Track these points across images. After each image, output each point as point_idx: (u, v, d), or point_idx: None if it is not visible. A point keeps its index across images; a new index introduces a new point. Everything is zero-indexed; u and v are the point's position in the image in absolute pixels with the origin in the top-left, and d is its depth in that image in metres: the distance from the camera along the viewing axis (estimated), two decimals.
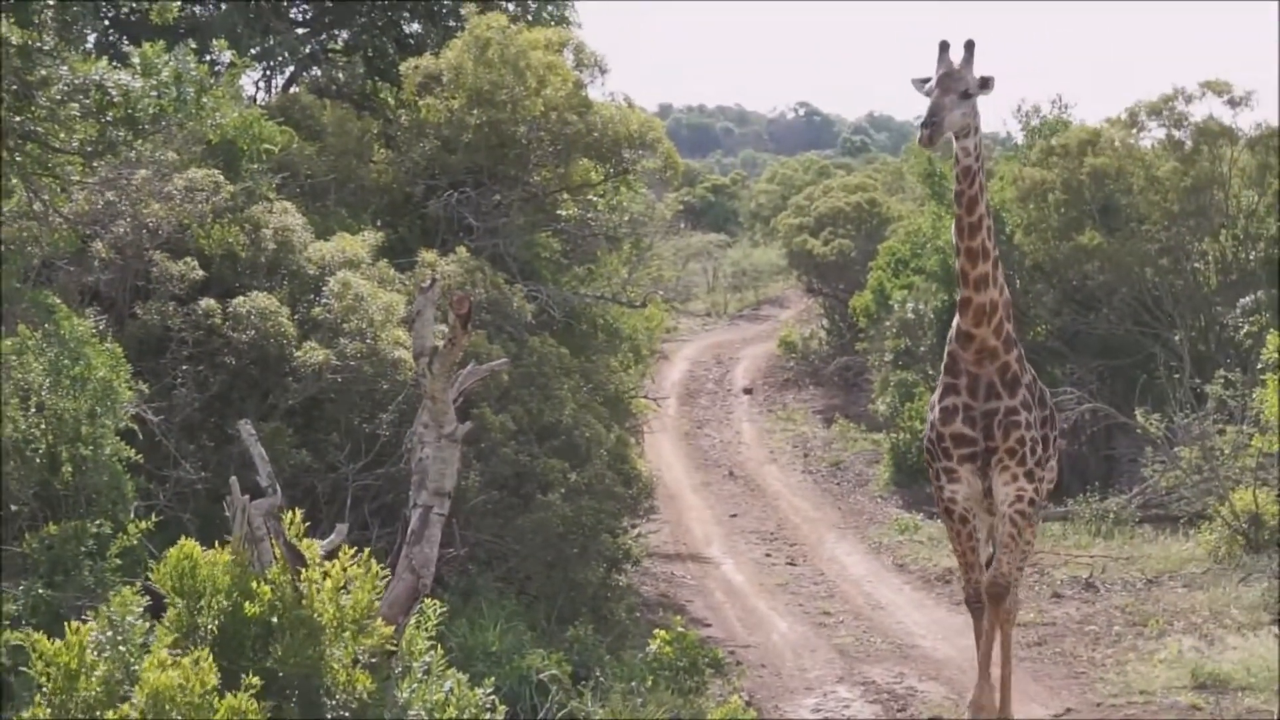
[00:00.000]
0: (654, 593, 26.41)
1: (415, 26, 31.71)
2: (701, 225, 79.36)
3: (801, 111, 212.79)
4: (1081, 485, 31.57)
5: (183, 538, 10.07)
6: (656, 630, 18.73)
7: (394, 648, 10.43)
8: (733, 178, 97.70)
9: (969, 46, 13.78)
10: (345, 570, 10.08)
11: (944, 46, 13.72)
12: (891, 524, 31.88)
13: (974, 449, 14.59)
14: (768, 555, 29.85)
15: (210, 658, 8.90)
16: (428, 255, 21.59)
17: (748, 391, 49.57)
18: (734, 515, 33.97)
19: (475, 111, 24.33)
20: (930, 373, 37.20)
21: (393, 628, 10.39)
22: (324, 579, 9.95)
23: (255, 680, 8.91)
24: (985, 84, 13.79)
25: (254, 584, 9.80)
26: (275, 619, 9.71)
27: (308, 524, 10.45)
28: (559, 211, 26.26)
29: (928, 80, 13.75)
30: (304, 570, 10.02)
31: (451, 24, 28.89)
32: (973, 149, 13.92)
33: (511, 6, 30.54)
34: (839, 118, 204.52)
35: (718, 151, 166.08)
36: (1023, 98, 54.74)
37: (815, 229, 53.32)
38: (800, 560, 29.24)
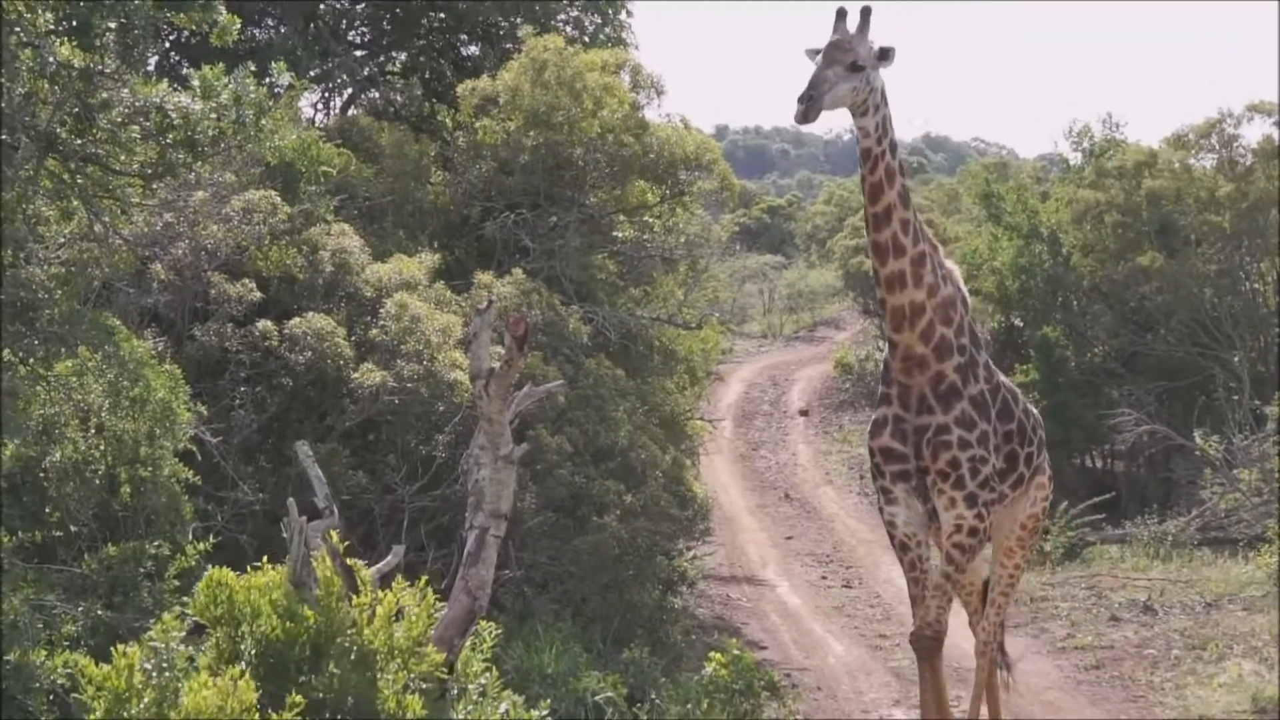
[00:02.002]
0: (709, 615, 26.35)
1: (473, 49, 31.84)
2: (757, 247, 79.37)
3: (858, 133, 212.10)
4: (1140, 507, 31.38)
5: (219, 566, 10.09)
6: (712, 653, 18.63)
7: (445, 674, 10.43)
8: (789, 199, 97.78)
9: (865, 13, 12.20)
10: (398, 599, 10.08)
11: (840, 14, 12.16)
12: None
13: (906, 466, 12.99)
14: (823, 578, 29.74)
15: (249, 678, 8.90)
16: (484, 277, 21.61)
17: (804, 413, 49.47)
18: (789, 537, 33.88)
19: (532, 133, 24.37)
20: None
21: (444, 655, 10.39)
22: (376, 606, 9.95)
23: (299, 699, 8.91)
24: (884, 55, 12.23)
25: (301, 607, 9.80)
26: (324, 643, 9.70)
27: (365, 545, 10.46)
28: (615, 233, 26.25)
29: (819, 51, 12.19)
30: (356, 596, 10.03)
31: (508, 46, 28.96)
32: (873, 129, 12.31)
33: (568, 28, 30.61)
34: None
35: (774, 173, 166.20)
36: (1074, 118, 54.47)
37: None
38: (856, 583, 29.11)
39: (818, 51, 12.10)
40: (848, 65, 11.94)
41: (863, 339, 59.65)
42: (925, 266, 12.62)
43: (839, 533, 34.25)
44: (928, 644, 13.33)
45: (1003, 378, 13.63)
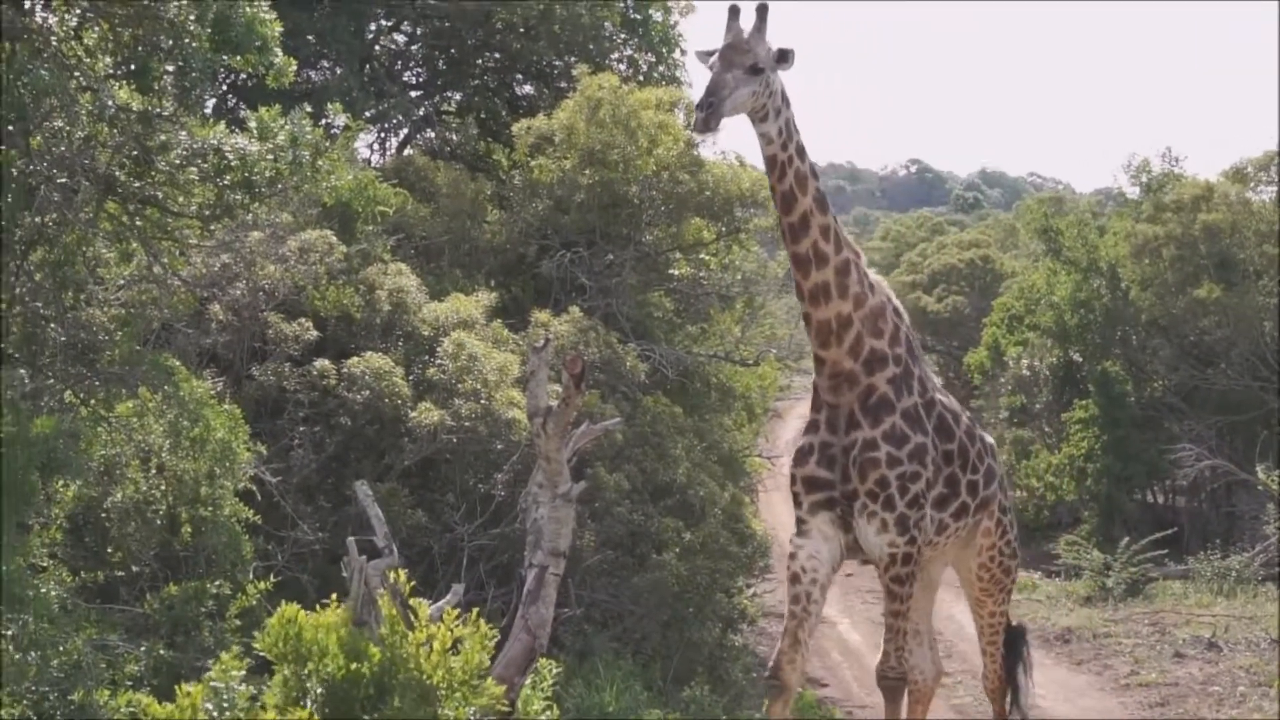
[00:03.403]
0: (770, 652, 26.23)
1: (527, 88, 31.98)
2: None
3: (913, 168, 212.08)
4: (1202, 543, 31.13)
5: (284, 602, 10.10)
6: None
7: (507, 708, 10.41)
8: None
9: (760, 12, 11.21)
10: (452, 631, 10.07)
11: (733, 12, 11.16)
12: None
13: (830, 493, 11.92)
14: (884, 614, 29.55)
15: (315, 716, 8.91)
16: (541, 315, 21.63)
17: None
18: (849, 574, 33.69)
19: (587, 171, 24.40)
20: (1046, 430, 36.89)
21: (504, 687, 10.37)
22: (431, 640, 9.95)
23: None
24: (783, 57, 11.23)
25: (365, 645, 9.81)
26: (387, 679, 9.71)
27: (424, 584, 10.47)
28: (671, 270, 26.25)
29: (713, 53, 11.20)
30: (412, 632, 10.03)
31: (563, 85, 29.07)
32: (776, 134, 11.33)
33: (623, 67, 30.69)
34: (951, 174, 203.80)
35: None
36: (1132, 153, 54.21)
37: (928, 285, 53.14)
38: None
39: (711, 54, 11.19)
40: (747, 68, 11.01)
41: None
42: (850, 276, 11.72)
43: None
44: (890, 685, 12.71)
45: (944, 396, 12.67)
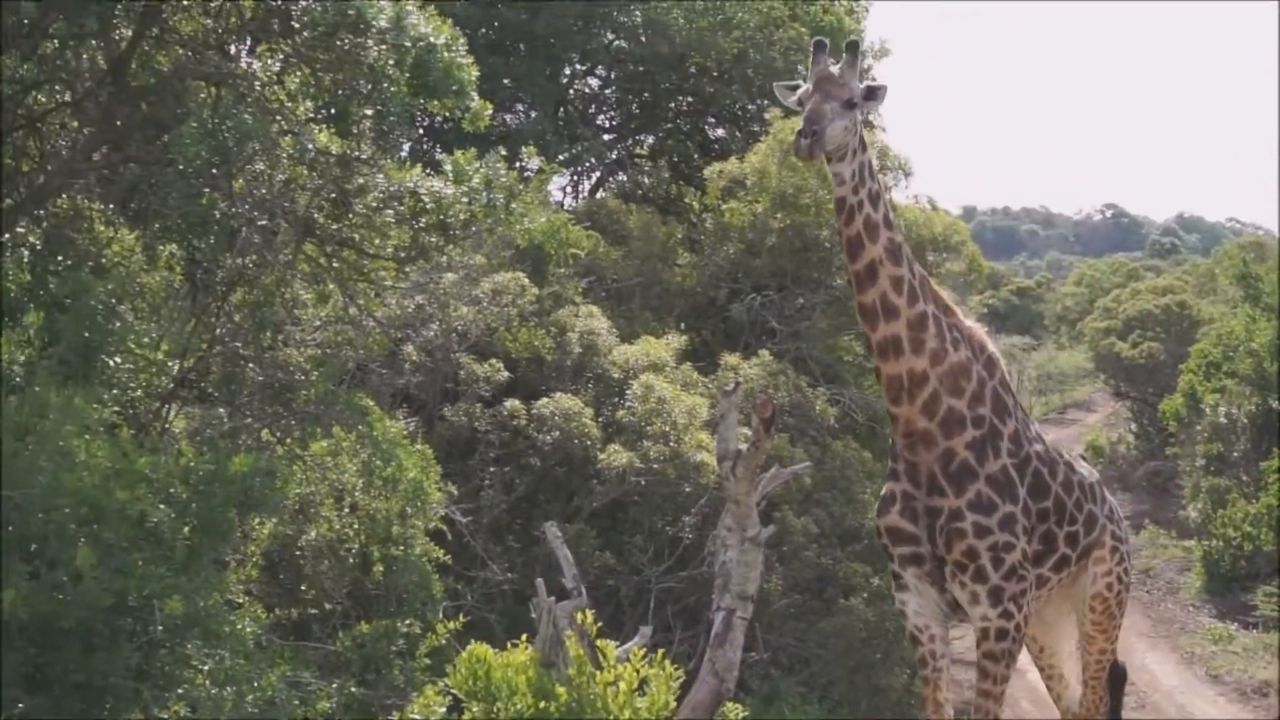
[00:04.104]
0: (958, 700, 25.91)
1: (719, 131, 32.04)
2: (1006, 328, 78.44)
3: (1108, 213, 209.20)
4: None
5: (474, 641, 10.17)
6: None
7: None
8: (1038, 280, 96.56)
9: (851, 49, 10.87)
10: (639, 671, 10.08)
11: (819, 46, 10.77)
12: (1204, 633, 30.85)
13: (918, 549, 11.18)
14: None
15: None
16: (730, 358, 21.63)
17: None
18: None
19: (779, 215, 24.37)
20: (1244, 478, 36.12)
21: None
22: (618, 681, 9.96)
23: None
24: (872, 95, 10.83)
25: (553, 685, 9.86)
26: (574, 719, 9.74)
27: (611, 626, 10.49)
28: None
29: (798, 85, 10.77)
30: (600, 672, 10.05)
31: (756, 128, 29.06)
32: (849, 176, 10.72)
33: None
34: (1147, 219, 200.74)
35: (1022, 254, 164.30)
36: None
37: (1123, 332, 52.30)
38: None
39: (794, 88, 10.78)
40: (844, 101, 10.56)
41: (1114, 421, 58.53)
42: (927, 330, 10.95)
43: None
44: None
45: (1041, 446, 11.78)
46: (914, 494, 11.07)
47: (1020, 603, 11.17)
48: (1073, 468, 12.08)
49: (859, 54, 10.83)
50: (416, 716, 9.36)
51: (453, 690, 10.12)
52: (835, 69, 10.57)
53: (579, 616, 10.62)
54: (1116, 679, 14.00)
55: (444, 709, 9.54)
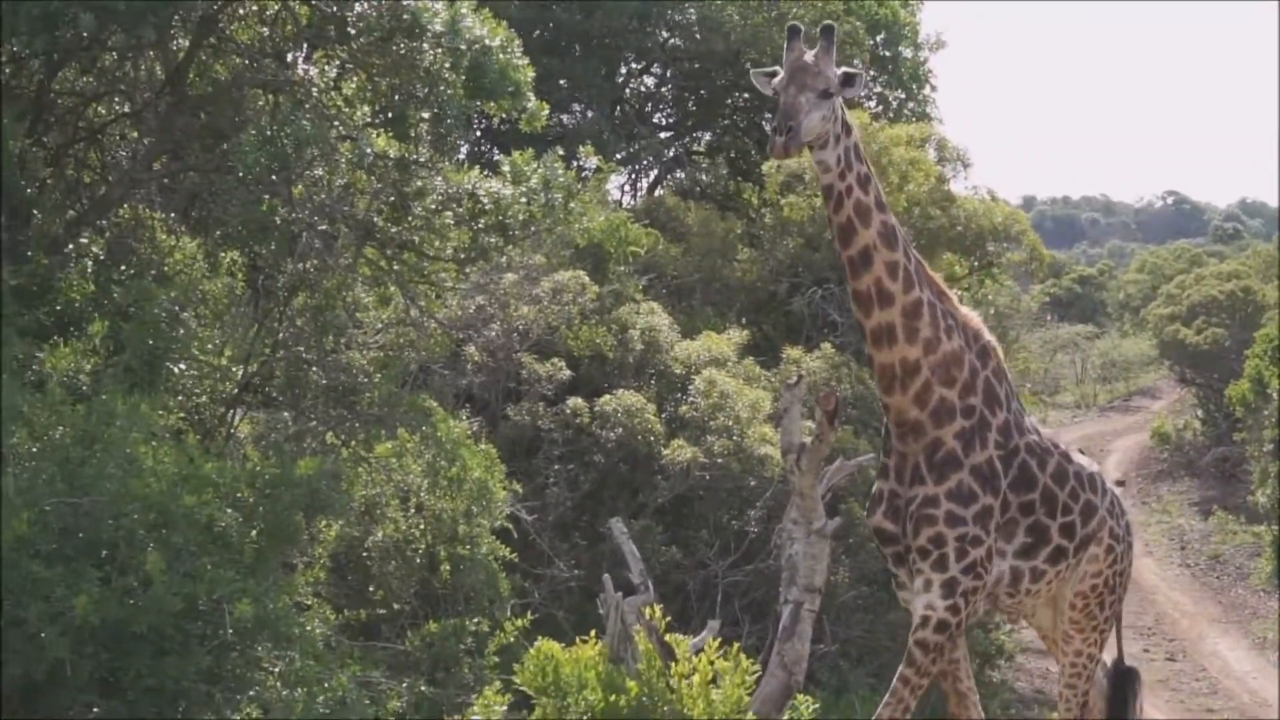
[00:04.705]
0: (1028, 689, 25.87)
1: None
2: (1068, 316, 78.04)
3: (1169, 200, 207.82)
4: None
5: (542, 638, 10.23)
6: None
7: None
8: (1100, 268, 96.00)
9: (827, 33, 10.41)
10: (713, 664, 10.10)
11: (794, 32, 10.36)
12: (1276, 619, 30.66)
13: (898, 549, 10.93)
14: (1145, 650, 28.95)
15: None
16: (793, 352, 21.63)
17: (1120, 484, 48.16)
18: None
19: None
20: None
21: None
22: (693, 674, 9.99)
23: None
24: (849, 81, 10.41)
25: (623, 679, 9.90)
26: (646, 713, 9.78)
27: (679, 620, 10.52)
28: None
29: (774, 73, 10.43)
30: (673, 665, 10.08)
31: None
32: (835, 163, 10.45)
33: (873, 104, 30.63)
34: (1209, 205, 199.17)
35: (1083, 242, 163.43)
36: None
37: (1187, 318, 51.96)
38: (1180, 656, 28.28)
39: (771, 74, 10.44)
40: (819, 91, 10.22)
41: (1180, 408, 58.17)
42: (921, 318, 10.66)
43: (1160, 605, 33.36)
44: None
45: (1034, 437, 11.42)
46: (898, 491, 10.84)
47: (969, 599, 10.81)
48: (1068, 458, 11.68)
49: (834, 39, 10.43)
50: (478, 717, 9.40)
51: (521, 687, 10.17)
52: (810, 57, 10.26)
53: (647, 611, 10.66)
54: (1127, 681, 13.55)
55: (504, 708, 9.58)
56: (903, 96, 32.25)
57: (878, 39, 31.87)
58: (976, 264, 25.79)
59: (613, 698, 9.79)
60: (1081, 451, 12.45)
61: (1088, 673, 12.67)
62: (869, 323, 10.54)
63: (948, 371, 10.73)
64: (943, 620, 10.66)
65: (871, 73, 31.81)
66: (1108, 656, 13.49)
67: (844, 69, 10.38)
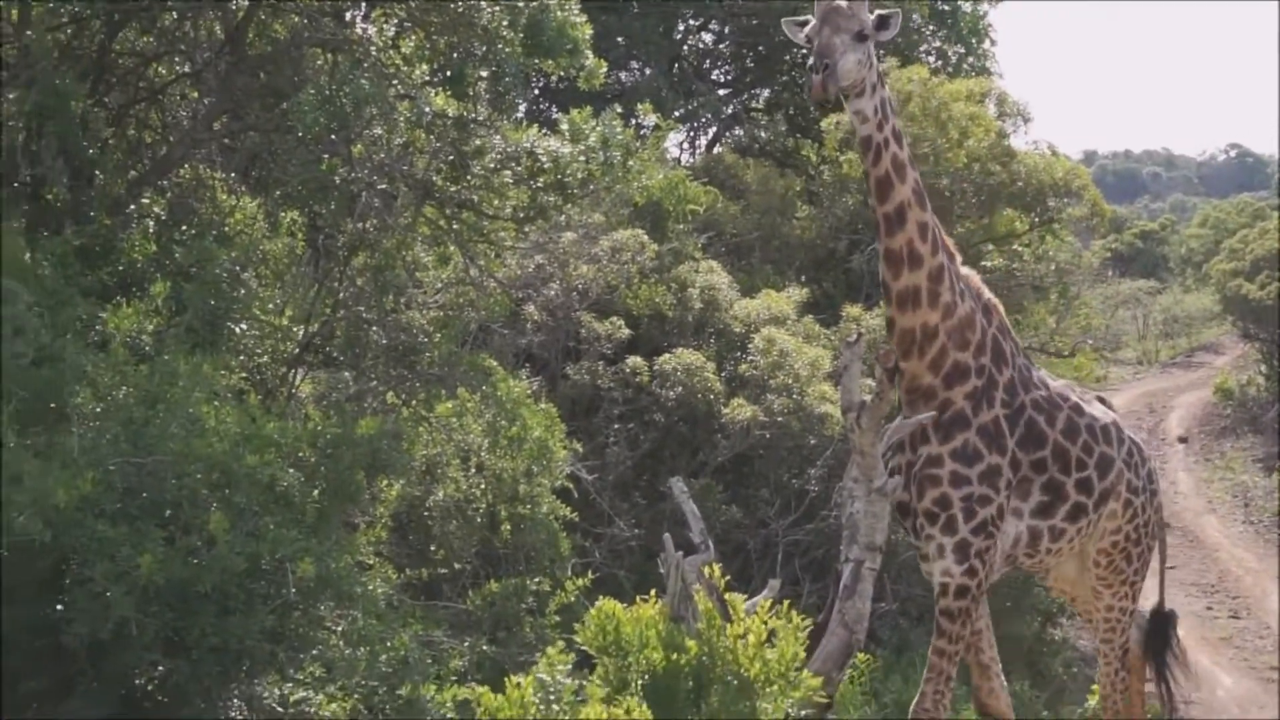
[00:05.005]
0: (1090, 646, 25.74)
1: None
2: (1130, 272, 77.53)
3: (1233, 153, 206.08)
4: None
5: (603, 597, 10.23)
6: (1094, 685, 18.25)
7: (825, 700, 10.39)
8: (1161, 223, 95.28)
9: None
10: (766, 624, 10.09)
11: None
12: None
13: (914, 521, 10.95)
14: (1209, 609, 28.79)
15: (642, 705, 9.02)
16: (852, 310, 21.55)
17: (1183, 440, 48.02)
18: (1172, 567, 32.90)
19: None
20: None
21: (821, 679, 10.35)
22: (747, 633, 9.99)
23: None
24: (884, 24, 10.19)
25: (683, 639, 9.91)
26: (705, 673, 9.79)
27: (739, 579, 10.51)
28: (984, 262, 25.93)
29: (806, 22, 10.20)
30: (729, 625, 10.08)
31: None
32: (872, 113, 10.24)
33: (932, 59, 30.45)
34: (1272, 158, 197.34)
35: (1145, 197, 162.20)
36: None
37: (1250, 272, 51.53)
38: (1244, 613, 28.09)
39: (803, 23, 10.24)
40: (854, 34, 9.98)
41: (1243, 364, 57.76)
42: (943, 282, 10.62)
43: (1224, 562, 33.14)
44: None
45: (1042, 392, 11.33)
46: (912, 459, 10.85)
47: (985, 559, 10.73)
48: (1080, 410, 11.58)
49: None
50: (543, 675, 9.42)
51: (582, 647, 10.18)
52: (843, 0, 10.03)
53: (707, 570, 10.65)
54: (1165, 623, 13.60)
55: (568, 667, 9.59)
56: (962, 51, 32.06)
57: None
58: (1037, 220, 25.65)
59: (674, 657, 9.80)
60: (1101, 400, 12.31)
61: (1123, 625, 12.65)
62: (896, 285, 10.50)
63: (962, 335, 10.71)
64: (961, 585, 10.65)
65: (930, 27, 31.64)
66: (1148, 605, 13.42)
67: (878, 11, 10.23)
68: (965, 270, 11.08)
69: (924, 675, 10.91)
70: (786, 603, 10.44)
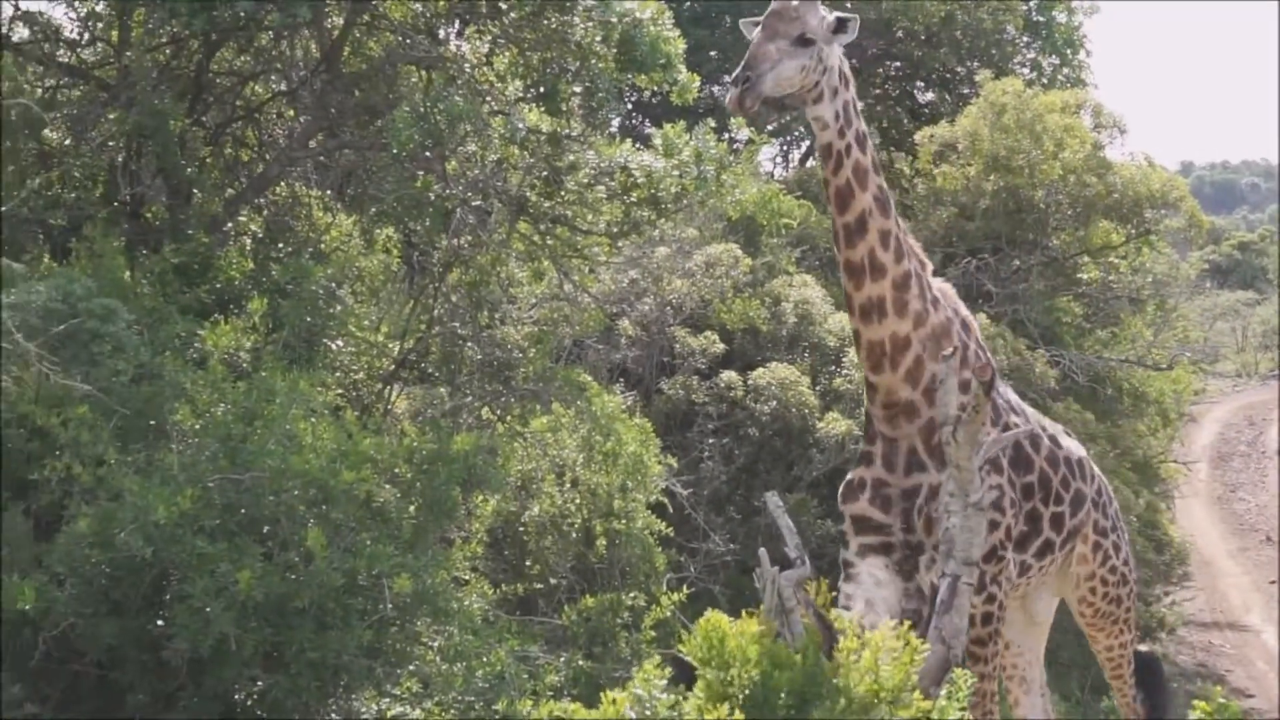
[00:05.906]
0: (1191, 662, 25.53)
1: (929, 95, 31.81)
2: (1229, 284, 76.82)
3: None
4: None
5: (708, 609, 10.21)
6: (1195, 701, 17.89)
7: (926, 717, 10.32)
8: (1260, 234, 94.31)
9: None
10: (882, 642, 10.03)
11: None
12: None
13: (887, 538, 10.19)
14: None
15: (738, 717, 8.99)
16: None
17: None
18: (1274, 581, 32.57)
19: (992, 177, 24.17)
20: None
21: (928, 700, 10.28)
22: (862, 649, 9.92)
23: None
24: (841, 26, 9.84)
25: (786, 654, 9.87)
26: (809, 689, 9.74)
27: (834, 594, 10.44)
28: (1079, 275, 25.78)
29: (759, 23, 9.63)
30: (840, 640, 10.02)
31: (965, 91, 28.82)
32: (832, 119, 9.81)
33: (1026, 71, 30.32)
34: None
35: (1243, 208, 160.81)
36: None
37: None
38: None
39: (757, 24, 9.58)
40: (794, 39, 9.48)
41: None
42: (910, 290, 10.00)
43: None
44: None
45: (1019, 417, 10.84)
46: (887, 480, 10.22)
47: (1000, 583, 10.37)
48: (1057, 441, 11.22)
49: None
50: (639, 690, 9.40)
51: (683, 657, 10.17)
52: (793, 1, 9.55)
53: (809, 587, 10.61)
54: (1150, 672, 13.20)
55: (664, 682, 9.57)
56: (1056, 62, 31.89)
57: (1030, 4, 31.56)
58: (1134, 231, 25.43)
59: (776, 672, 9.77)
60: (1068, 434, 11.96)
61: (1128, 657, 12.55)
62: (859, 295, 9.94)
63: (938, 345, 10.05)
64: (986, 613, 10.34)
65: (1024, 38, 31.50)
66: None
67: (836, 14, 9.85)
68: (940, 283, 10.64)
69: (969, 701, 10.11)
70: (906, 624, 10.38)
